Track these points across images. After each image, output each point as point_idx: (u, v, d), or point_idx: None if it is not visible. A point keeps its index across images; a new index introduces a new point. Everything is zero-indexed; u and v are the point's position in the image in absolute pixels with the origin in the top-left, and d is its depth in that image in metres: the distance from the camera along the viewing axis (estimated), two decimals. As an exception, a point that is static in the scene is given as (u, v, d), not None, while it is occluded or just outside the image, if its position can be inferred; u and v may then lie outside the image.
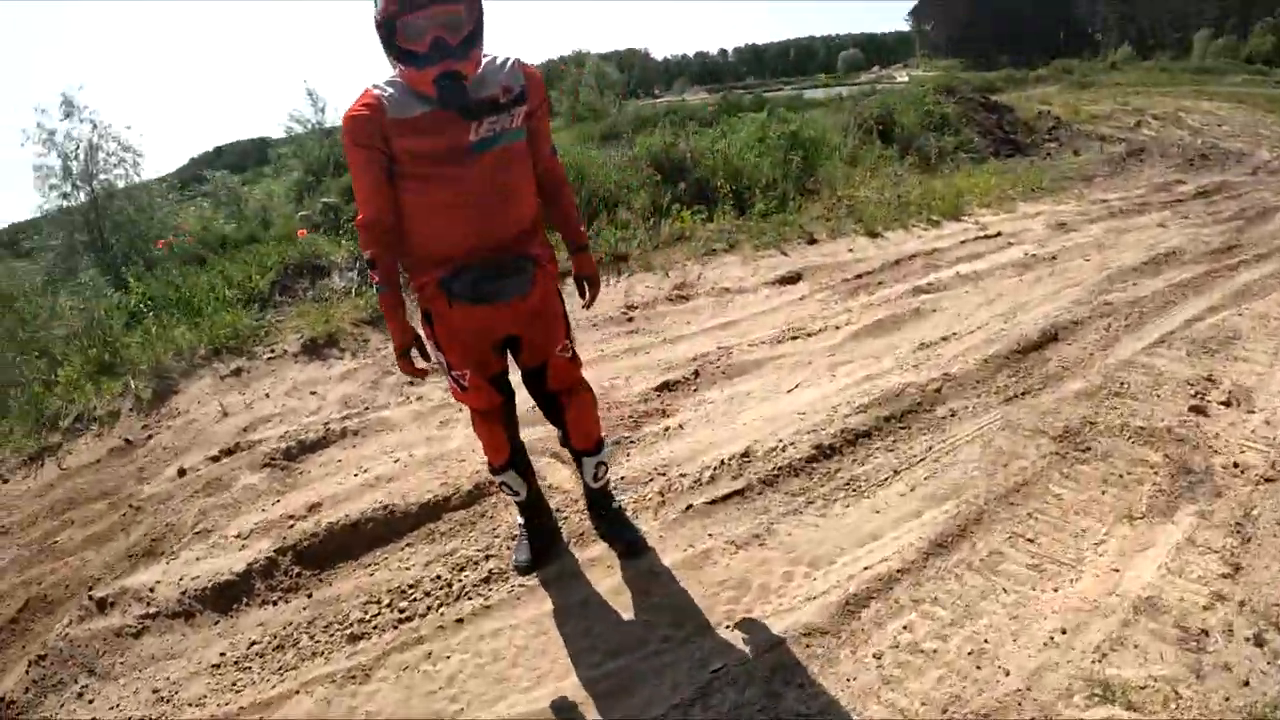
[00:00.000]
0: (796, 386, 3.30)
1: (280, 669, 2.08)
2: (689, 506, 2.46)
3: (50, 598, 2.52)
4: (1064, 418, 2.85)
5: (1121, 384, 3.10)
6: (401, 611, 2.21)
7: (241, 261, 5.48)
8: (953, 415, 2.93)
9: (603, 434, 2.27)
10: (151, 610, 2.36)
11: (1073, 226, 5.73)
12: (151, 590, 2.42)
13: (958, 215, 6.10)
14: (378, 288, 1.87)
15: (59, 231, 7.62)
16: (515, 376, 2.15)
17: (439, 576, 2.31)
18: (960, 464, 2.62)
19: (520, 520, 2.37)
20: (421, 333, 1.96)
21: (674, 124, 8.43)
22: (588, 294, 2.15)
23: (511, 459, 2.22)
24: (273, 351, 4.02)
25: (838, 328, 3.90)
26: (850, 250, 5.30)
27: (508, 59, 1.87)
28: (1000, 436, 2.76)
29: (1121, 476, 2.50)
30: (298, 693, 1.98)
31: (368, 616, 2.20)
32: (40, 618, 2.45)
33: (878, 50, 49.62)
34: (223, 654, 2.17)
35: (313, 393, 3.66)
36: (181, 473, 3.10)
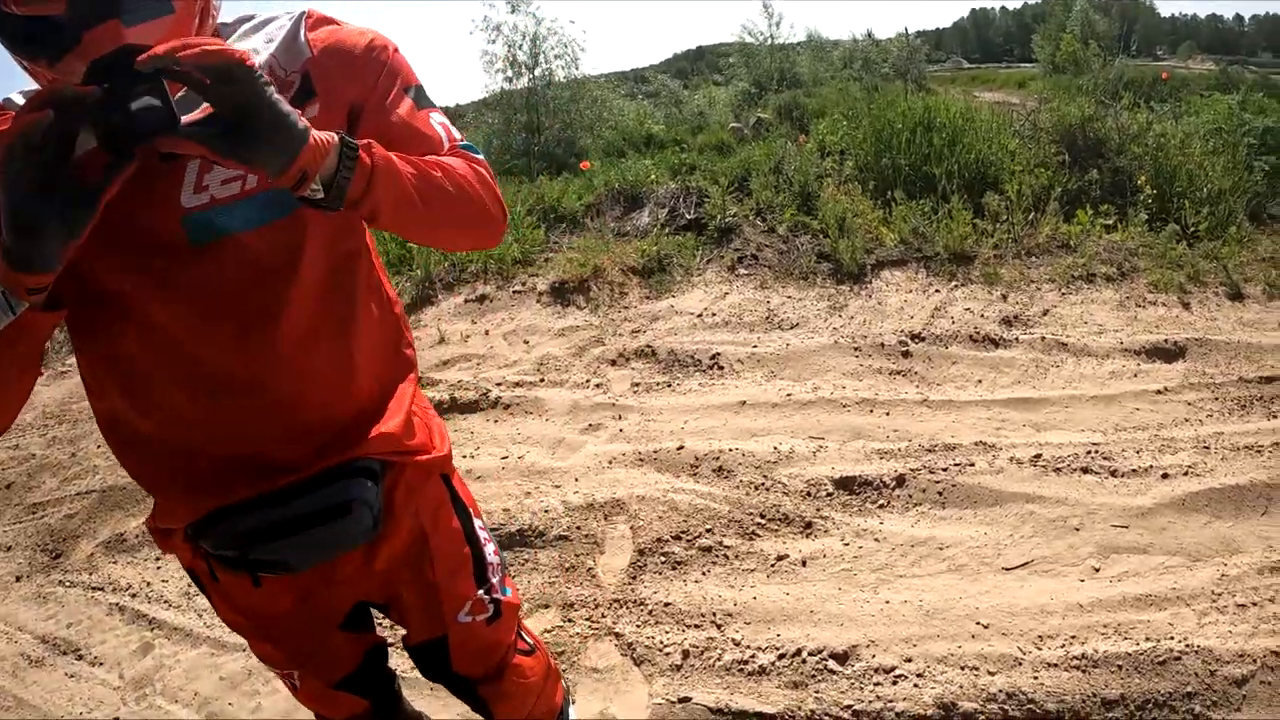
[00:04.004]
0: (1022, 566, 2.11)
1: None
2: (685, 700, 1.80)
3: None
4: None
5: None
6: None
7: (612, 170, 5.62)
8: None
9: (566, 692, 1.38)
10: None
11: None
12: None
13: None
14: None
15: (498, 113, 9.06)
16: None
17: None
18: None
19: None
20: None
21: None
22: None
23: None
24: (523, 286, 4.17)
25: (1166, 475, 2.34)
26: (1282, 326, 3.17)
27: (286, 19, 0.88)
28: None
29: None
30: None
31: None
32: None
33: None
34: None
35: (525, 342, 3.71)
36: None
